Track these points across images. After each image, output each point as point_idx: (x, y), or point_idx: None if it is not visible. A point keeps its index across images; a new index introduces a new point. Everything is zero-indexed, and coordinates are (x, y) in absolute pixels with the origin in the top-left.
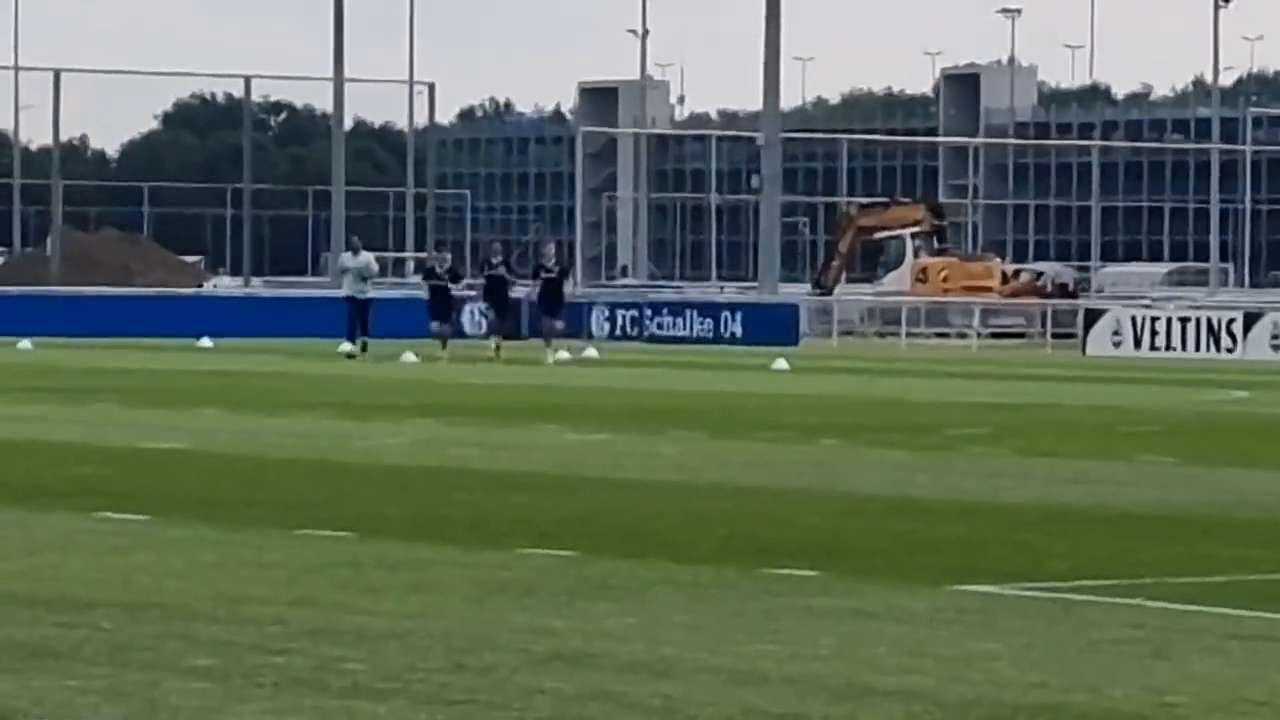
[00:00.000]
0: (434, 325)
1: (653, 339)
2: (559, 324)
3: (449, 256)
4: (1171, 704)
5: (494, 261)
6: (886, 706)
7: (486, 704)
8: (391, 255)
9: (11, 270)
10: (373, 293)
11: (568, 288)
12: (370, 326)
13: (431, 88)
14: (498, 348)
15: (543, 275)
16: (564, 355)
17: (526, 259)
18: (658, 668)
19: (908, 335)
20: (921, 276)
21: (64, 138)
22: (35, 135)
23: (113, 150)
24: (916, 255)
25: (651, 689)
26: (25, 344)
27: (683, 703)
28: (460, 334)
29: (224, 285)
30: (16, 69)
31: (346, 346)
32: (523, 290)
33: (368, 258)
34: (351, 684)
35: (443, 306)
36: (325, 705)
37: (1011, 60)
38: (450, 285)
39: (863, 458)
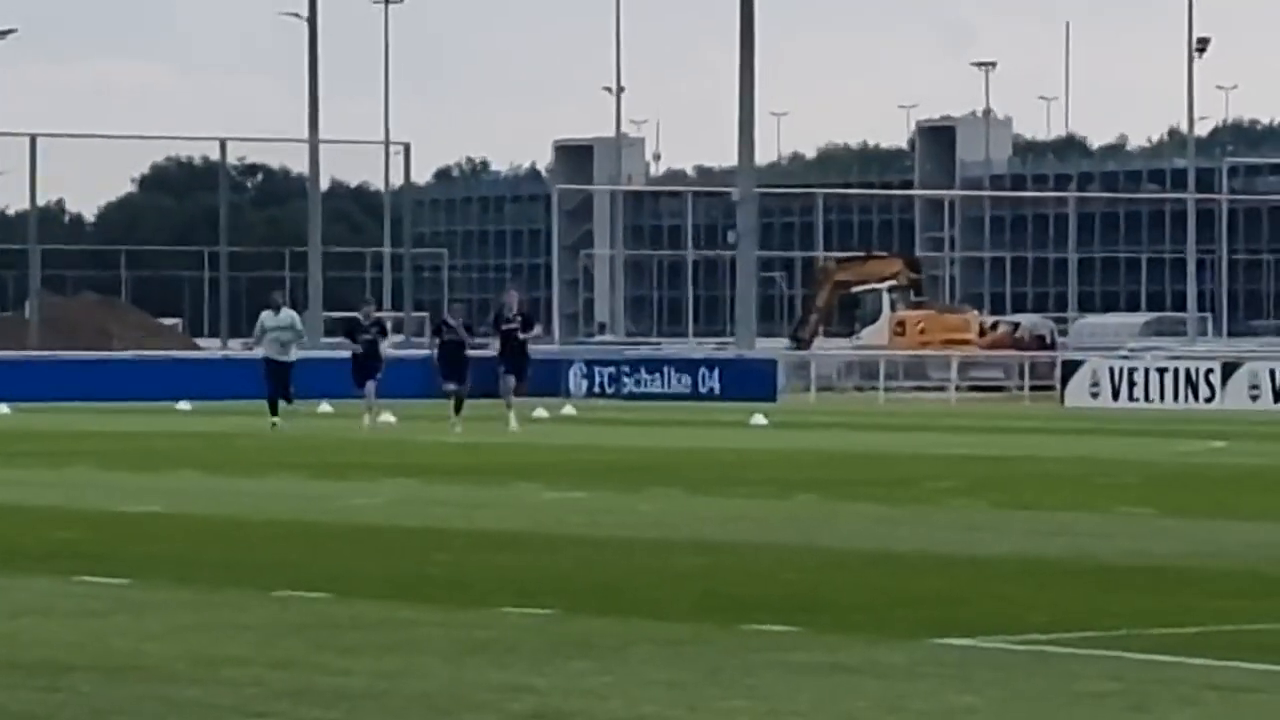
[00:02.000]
0: (360, 388)
1: (630, 396)
2: (523, 385)
3: (373, 311)
4: None
5: (450, 323)
6: None
7: None
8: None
9: None
10: (296, 355)
11: (533, 337)
12: (292, 392)
13: (407, 148)
14: (453, 418)
15: (503, 328)
16: (542, 414)
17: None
18: None
19: (886, 389)
20: (899, 330)
21: (41, 202)
22: (12, 200)
23: (90, 214)
24: (893, 309)
25: None
26: (3, 409)
27: None
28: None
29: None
30: None
31: (327, 408)
32: (492, 349)
33: (291, 316)
34: None
35: (372, 364)
36: None
37: (987, 113)
38: (380, 340)
39: (841, 512)
